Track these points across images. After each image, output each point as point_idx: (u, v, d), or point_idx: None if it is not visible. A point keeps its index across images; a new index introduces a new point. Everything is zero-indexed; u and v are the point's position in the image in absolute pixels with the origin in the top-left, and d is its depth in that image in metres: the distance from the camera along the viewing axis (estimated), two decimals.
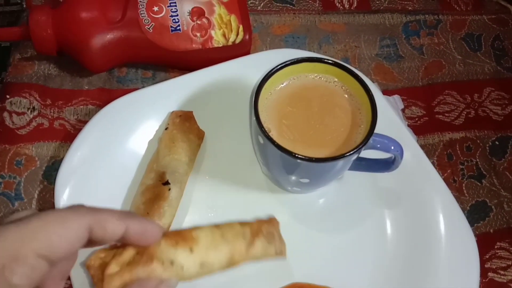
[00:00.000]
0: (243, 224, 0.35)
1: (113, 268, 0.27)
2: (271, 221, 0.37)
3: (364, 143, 0.35)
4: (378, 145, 0.37)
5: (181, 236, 0.31)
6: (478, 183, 0.49)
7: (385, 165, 0.40)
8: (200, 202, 0.43)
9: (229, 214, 0.42)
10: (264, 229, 0.35)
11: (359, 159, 0.41)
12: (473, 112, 0.54)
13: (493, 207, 0.48)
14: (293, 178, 0.39)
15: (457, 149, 0.51)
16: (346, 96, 0.39)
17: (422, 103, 0.53)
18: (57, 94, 0.49)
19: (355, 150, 0.35)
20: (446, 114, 0.53)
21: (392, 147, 0.37)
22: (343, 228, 0.43)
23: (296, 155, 0.34)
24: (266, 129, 0.35)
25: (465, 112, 0.53)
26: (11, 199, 0.43)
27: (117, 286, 0.26)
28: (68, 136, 0.46)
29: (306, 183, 0.39)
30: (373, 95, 0.37)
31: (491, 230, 0.47)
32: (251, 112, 0.38)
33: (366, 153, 0.41)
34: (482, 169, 0.50)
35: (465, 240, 0.41)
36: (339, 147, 0.37)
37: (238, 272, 0.37)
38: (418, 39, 0.57)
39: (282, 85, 0.39)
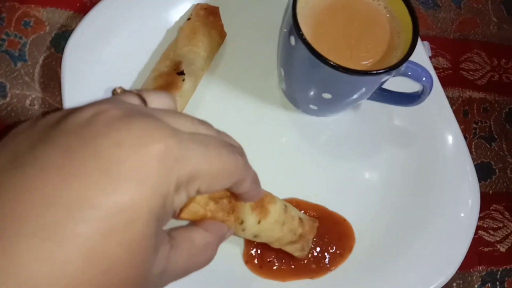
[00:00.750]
0: (300, 222, 0.35)
1: (202, 199, 0.26)
2: (315, 229, 0.37)
3: (399, 64, 0.33)
4: (410, 73, 0.36)
5: (260, 205, 0.32)
6: (488, 145, 0.49)
7: (410, 98, 0.39)
8: (212, 103, 0.42)
9: (238, 121, 0.41)
10: (307, 237, 0.36)
11: (383, 90, 0.40)
12: (497, 76, 0.52)
13: (497, 170, 0.48)
14: (316, 91, 0.37)
15: (474, 108, 0.50)
16: (388, 16, 0.37)
17: (449, 55, 0.52)
18: None
19: (388, 70, 0.33)
20: (471, 72, 0.52)
21: (424, 78, 0.36)
22: (351, 157, 0.42)
23: (328, 61, 0.32)
24: (302, 31, 0.33)
25: (489, 75, 0.52)
26: (14, 59, 0.40)
27: (194, 212, 0.25)
28: (84, 8, 0.43)
29: (326, 99, 0.37)
30: (417, 19, 0.35)
31: (490, 191, 0.47)
32: (286, 13, 0.35)
33: (391, 86, 0.39)
34: (494, 132, 0.49)
35: (471, 189, 0.41)
36: (371, 66, 0.35)
37: None
38: None
39: None
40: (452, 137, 0.42)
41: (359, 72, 0.33)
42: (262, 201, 0.32)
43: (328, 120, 0.43)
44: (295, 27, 0.33)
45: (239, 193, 0.25)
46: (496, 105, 0.51)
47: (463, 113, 0.49)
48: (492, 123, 0.50)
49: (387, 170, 0.42)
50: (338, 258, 0.37)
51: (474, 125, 0.49)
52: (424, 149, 0.42)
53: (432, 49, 0.51)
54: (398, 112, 0.43)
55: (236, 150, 0.23)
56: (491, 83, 0.52)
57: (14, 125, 0.38)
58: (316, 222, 0.37)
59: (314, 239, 0.37)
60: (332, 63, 0.32)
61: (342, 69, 0.32)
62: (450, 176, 0.41)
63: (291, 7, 0.34)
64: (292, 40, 0.34)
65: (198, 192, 0.21)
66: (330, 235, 0.38)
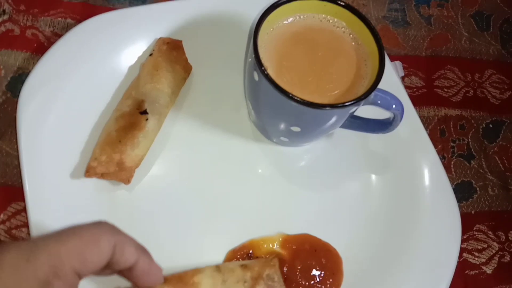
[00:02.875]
0: (244, 267, 0.34)
1: None
2: (272, 262, 0.35)
3: (367, 94, 0.32)
4: (379, 101, 0.34)
5: (183, 282, 0.31)
6: (467, 163, 0.48)
7: (382, 125, 0.37)
8: (179, 139, 0.40)
9: (209, 156, 0.40)
10: (264, 273, 0.34)
11: (355, 117, 0.38)
12: (472, 91, 0.52)
13: (478, 189, 0.47)
14: (284, 124, 0.36)
15: (451, 126, 0.49)
16: (353, 44, 0.36)
17: (422, 74, 0.51)
18: (33, 1, 0.43)
19: (356, 101, 0.32)
20: (445, 89, 0.51)
21: (394, 105, 0.35)
22: (328, 186, 0.41)
23: (293, 96, 0.31)
24: (264, 66, 0.32)
25: (464, 90, 0.51)
26: None
27: None
28: (40, 48, 0.41)
29: (296, 132, 0.36)
30: (382, 45, 0.34)
31: (472, 211, 0.46)
32: (249, 46, 0.34)
33: (362, 113, 0.38)
34: (472, 149, 0.48)
35: (450, 213, 0.40)
36: (338, 97, 0.34)
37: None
38: (428, 8, 0.55)
39: (286, 22, 0.36)
40: (428, 160, 0.41)
41: (324, 105, 0.32)
42: (180, 278, 0.31)
43: (301, 150, 0.42)
44: (257, 63, 0.32)
45: (131, 270, 0.27)
46: (472, 121, 0.50)
47: (440, 132, 0.48)
48: (470, 140, 0.49)
49: (366, 196, 0.40)
50: None
51: (452, 144, 0.48)
52: (400, 174, 0.41)
53: (404, 68, 0.50)
54: (372, 137, 0.42)
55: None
56: (466, 98, 0.51)
57: None
58: (270, 256, 0.35)
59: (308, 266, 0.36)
60: (297, 98, 0.31)
61: (308, 104, 0.31)
62: (429, 200, 0.40)
63: (252, 40, 0.33)
64: (255, 75, 0.33)
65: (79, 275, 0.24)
66: (324, 270, 0.37)
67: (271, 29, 0.35)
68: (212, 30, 0.43)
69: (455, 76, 0.52)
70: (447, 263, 0.38)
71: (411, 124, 0.42)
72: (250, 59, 0.34)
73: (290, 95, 0.31)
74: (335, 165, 0.41)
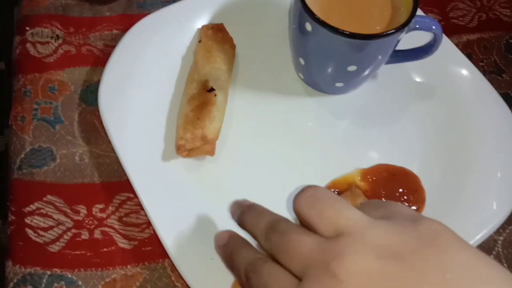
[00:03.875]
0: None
1: None
2: (356, 192, 0.37)
3: (410, 18, 0.36)
4: (418, 25, 0.38)
5: None
6: (499, 77, 0.51)
7: (425, 50, 0.41)
8: (243, 110, 0.44)
9: (273, 119, 0.43)
10: (358, 202, 0.36)
11: (397, 51, 0.42)
12: (485, 15, 0.56)
13: None
14: (340, 67, 0.39)
15: (475, 48, 0.53)
16: None
17: (436, 9, 0.55)
18: (79, 22, 0.47)
19: (403, 26, 0.36)
20: (460, 19, 0.55)
21: (434, 26, 0.39)
22: (387, 120, 0.44)
23: (351, 34, 0.35)
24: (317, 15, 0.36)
25: (477, 16, 0.55)
26: (51, 123, 0.42)
27: None
28: (98, 60, 0.45)
29: (352, 72, 0.40)
30: None
31: None
32: (295, 2, 0.38)
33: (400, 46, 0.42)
34: (500, 64, 0.52)
35: (506, 122, 0.43)
36: (384, 29, 0.38)
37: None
38: None
39: None
40: (471, 76, 0.45)
41: (379, 35, 0.35)
42: None
43: (353, 95, 0.45)
44: (309, 14, 0.36)
45: None
46: (493, 40, 0.54)
47: (467, 56, 0.52)
48: (496, 57, 0.53)
49: (423, 122, 0.44)
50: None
51: (481, 64, 0.52)
52: (449, 95, 0.45)
53: (419, 9, 0.54)
54: (414, 70, 0.46)
55: None
56: (482, 23, 0.55)
57: (72, 184, 0.39)
58: (351, 189, 0.38)
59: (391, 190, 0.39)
60: (356, 34, 0.35)
61: (366, 37, 0.35)
62: (482, 112, 0.44)
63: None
64: (308, 26, 0.37)
65: None
66: (406, 189, 0.40)
67: None
68: (246, 11, 0.47)
69: (466, 5, 0.56)
70: None
71: (446, 49, 0.46)
72: (297, 15, 0.38)
73: (349, 33, 0.35)
74: (387, 101, 0.45)
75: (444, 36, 0.47)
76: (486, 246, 0.40)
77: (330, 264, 0.23)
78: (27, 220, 0.37)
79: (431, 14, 0.54)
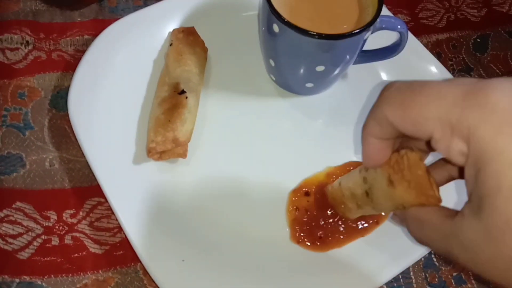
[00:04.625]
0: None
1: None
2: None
3: (375, 18, 0.37)
4: (384, 25, 0.39)
5: None
6: (468, 75, 0.52)
7: (392, 49, 0.42)
8: (215, 113, 0.44)
9: (245, 120, 0.44)
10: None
11: (364, 51, 0.43)
12: (453, 16, 0.57)
13: None
14: (309, 67, 0.40)
15: (444, 48, 0.54)
16: None
17: (406, 10, 0.56)
18: (50, 28, 0.47)
19: (368, 25, 0.36)
20: (429, 19, 0.56)
21: (399, 26, 0.39)
22: (357, 119, 0.45)
23: (317, 34, 0.35)
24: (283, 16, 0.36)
25: (446, 16, 0.57)
26: (21, 129, 0.41)
27: None
28: (69, 66, 0.45)
29: (320, 72, 0.40)
30: None
31: None
32: (263, 5, 0.38)
33: (368, 46, 0.43)
34: (469, 63, 0.53)
35: None
36: (351, 29, 0.38)
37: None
38: None
39: None
40: (440, 75, 0.46)
41: (344, 35, 0.36)
42: None
43: (324, 95, 0.46)
44: (276, 16, 0.36)
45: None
46: (461, 40, 0.55)
47: (437, 55, 0.53)
48: (464, 56, 0.54)
49: None
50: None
51: (450, 62, 0.53)
52: None
53: (389, 9, 0.55)
54: (383, 71, 0.47)
55: None
56: (450, 23, 0.56)
57: (42, 190, 0.39)
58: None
59: None
60: (321, 34, 0.35)
61: (331, 37, 0.35)
62: None
63: (266, 1, 0.37)
64: (276, 28, 0.37)
65: None
66: None
67: None
68: (217, 15, 0.48)
69: (435, 6, 0.57)
70: None
71: (414, 48, 0.47)
72: (265, 17, 0.38)
73: (315, 33, 0.35)
74: (357, 101, 0.46)
75: (412, 36, 0.48)
76: None
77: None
78: None
79: (400, 15, 0.56)
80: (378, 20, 0.38)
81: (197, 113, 0.42)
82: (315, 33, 0.35)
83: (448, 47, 0.54)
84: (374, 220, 0.39)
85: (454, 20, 0.56)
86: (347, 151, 0.43)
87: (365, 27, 0.36)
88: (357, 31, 0.36)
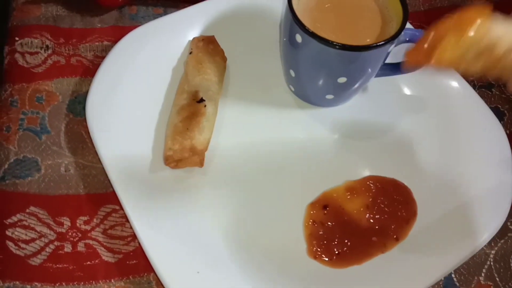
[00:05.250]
0: None
1: None
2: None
3: (400, 31, 0.36)
4: (408, 38, 0.38)
5: None
6: (489, 92, 0.52)
7: None
8: (233, 122, 0.43)
9: (263, 131, 0.43)
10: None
11: (386, 64, 0.42)
12: None
13: (505, 111, 0.51)
14: (331, 78, 0.39)
15: None
16: None
17: (426, 25, 0.55)
18: (70, 33, 0.47)
19: (393, 38, 0.36)
20: None
21: None
22: (378, 132, 0.44)
23: (342, 45, 0.35)
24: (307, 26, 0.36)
25: None
26: (37, 133, 0.41)
27: None
28: (88, 71, 0.45)
29: (342, 84, 0.39)
30: None
31: (507, 132, 0.49)
32: (282, 19, 0.38)
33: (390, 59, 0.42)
34: (490, 79, 0.53)
35: (496, 135, 0.43)
36: (374, 42, 0.38)
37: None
38: None
39: None
40: (461, 89, 0.45)
41: (369, 47, 0.35)
42: None
43: (344, 108, 0.45)
44: (299, 25, 0.36)
45: None
46: None
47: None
48: None
49: (414, 134, 0.44)
50: (404, 225, 0.38)
51: (471, 78, 0.52)
52: (439, 108, 0.45)
53: (409, 23, 0.55)
54: (404, 84, 0.46)
55: None
56: None
57: (56, 196, 0.38)
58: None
59: (380, 203, 0.38)
60: (346, 46, 0.35)
61: (356, 49, 0.35)
62: (472, 122, 0.44)
63: (289, 10, 0.37)
64: (299, 37, 0.37)
65: None
66: (395, 201, 0.39)
67: (297, 1, 0.39)
68: (237, 23, 0.47)
69: None
70: (504, 182, 0.41)
71: None
72: (287, 27, 0.38)
73: (340, 44, 0.35)
74: (377, 114, 0.45)
75: None
76: (478, 260, 0.40)
77: None
78: (8, 232, 0.36)
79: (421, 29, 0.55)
80: (402, 33, 0.37)
81: (215, 122, 0.42)
82: (339, 44, 0.35)
83: None
84: (394, 237, 0.38)
85: None
86: (366, 165, 0.42)
87: (390, 39, 0.36)
88: (382, 43, 0.35)
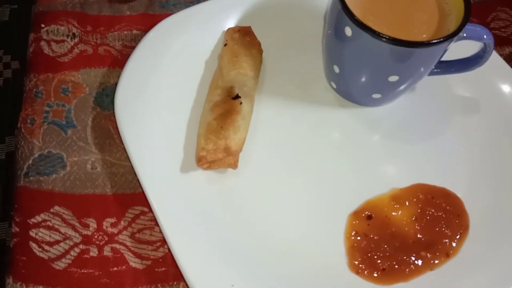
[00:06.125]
0: None
1: None
2: None
3: (462, 26, 0.33)
4: (470, 34, 0.35)
5: None
6: None
7: (473, 61, 0.38)
8: (270, 120, 0.40)
9: (302, 130, 0.40)
10: None
11: (442, 62, 0.39)
12: None
13: None
14: (381, 77, 0.36)
15: None
16: None
17: (477, 20, 0.51)
18: (97, 20, 0.44)
19: (454, 34, 0.32)
20: (502, 30, 0.51)
21: (485, 35, 0.35)
22: (426, 136, 0.40)
23: (396, 39, 0.31)
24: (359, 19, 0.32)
25: None
26: (63, 127, 0.39)
27: None
28: (116, 62, 0.42)
29: (392, 83, 0.36)
30: None
31: None
32: (333, 5, 0.35)
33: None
34: None
35: None
36: (431, 37, 0.34)
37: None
38: None
39: None
40: None
41: (428, 43, 0.32)
42: None
43: (389, 108, 0.42)
44: (350, 17, 0.32)
45: None
46: None
47: None
48: None
49: (465, 139, 0.40)
50: (455, 239, 0.35)
51: None
52: (492, 110, 0.41)
53: None
54: (455, 83, 0.42)
55: None
56: None
57: (82, 195, 0.36)
58: None
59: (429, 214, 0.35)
60: (403, 41, 0.31)
61: (413, 45, 0.31)
62: None
63: (338, 0, 0.33)
64: (348, 31, 0.33)
65: None
66: (446, 213, 0.36)
67: None
68: (274, 13, 0.44)
69: (508, 15, 0.52)
70: None
71: (492, 61, 0.41)
72: (334, 19, 0.35)
73: (395, 39, 0.31)
74: (426, 116, 0.41)
75: (495, 54, 0.43)
76: None
77: None
78: (32, 233, 0.34)
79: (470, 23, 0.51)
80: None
81: (250, 120, 0.39)
82: (396, 40, 0.31)
83: None
84: (444, 253, 0.35)
85: None
86: (414, 171, 0.39)
87: (451, 36, 0.32)
88: (441, 39, 0.32)
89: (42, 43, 0.43)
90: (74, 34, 0.43)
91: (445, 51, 0.35)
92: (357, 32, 0.33)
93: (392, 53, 0.33)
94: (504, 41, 0.50)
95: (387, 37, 0.31)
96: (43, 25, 0.43)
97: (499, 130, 0.40)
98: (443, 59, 0.37)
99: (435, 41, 0.32)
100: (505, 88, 0.42)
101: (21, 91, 0.41)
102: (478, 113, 0.41)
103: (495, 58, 0.43)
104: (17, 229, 0.35)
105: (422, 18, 0.35)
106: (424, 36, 0.35)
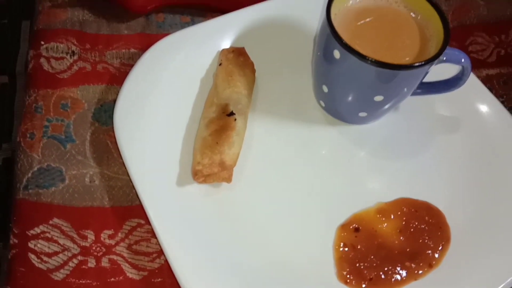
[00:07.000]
0: None
1: None
2: None
3: (442, 50, 0.35)
4: (449, 58, 0.37)
5: None
6: None
7: (452, 82, 0.40)
8: (263, 136, 0.42)
9: (292, 147, 0.42)
10: None
11: (423, 83, 0.41)
12: (503, 50, 0.55)
13: None
14: (366, 97, 0.38)
15: (495, 83, 0.52)
16: (411, 13, 0.39)
17: (456, 43, 0.54)
18: (96, 38, 0.46)
19: (434, 58, 0.35)
20: (480, 53, 0.54)
21: (463, 59, 0.38)
22: (410, 152, 0.43)
23: (382, 62, 0.34)
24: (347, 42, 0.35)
25: (496, 51, 0.55)
26: (62, 142, 0.40)
27: None
28: (114, 79, 0.44)
29: (377, 102, 0.38)
30: (440, 7, 0.37)
31: None
32: (322, 29, 0.37)
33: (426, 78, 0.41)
34: None
35: None
36: (414, 61, 0.37)
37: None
38: None
39: (347, 4, 0.39)
40: (494, 111, 0.44)
41: (411, 66, 0.34)
42: None
43: (374, 126, 0.44)
44: (338, 41, 0.35)
45: None
46: None
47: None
48: None
49: (445, 156, 0.43)
50: (437, 250, 0.37)
51: (501, 99, 0.51)
52: (472, 129, 0.44)
53: None
54: (437, 103, 0.45)
55: None
56: (500, 58, 0.54)
57: (81, 207, 0.37)
58: None
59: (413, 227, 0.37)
60: (388, 64, 0.34)
61: (398, 67, 0.34)
62: (506, 147, 0.42)
63: (328, 25, 0.36)
64: (337, 53, 0.36)
65: None
66: (428, 225, 0.38)
67: (335, 14, 0.38)
68: (266, 35, 0.46)
69: (485, 40, 0.56)
70: None
71: (470, 83, 0.44)
72: (323, 42, 0.37)
73: (381, 62, 0.34)
74: (410, 133, 0.44)
75: (474, 77, 0.46)
76: None
77: None
78: (31, 244, 0.35)
79: (449, 46, 0.54)
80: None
81: (244, 136, 0.40)
82: (380, 62, 0.34)
83: (499, 83, 0.52)
84: (427, 263, 0.37)
85: (504, 55, 0.55)
86: (398, 186, 0.41)
87: (433, 58, 0.35)
88: (423, 62, 0.34)
89: (42, 59, 0.44)
90: (73, 51, 0.45)
91: (426, 73, 0.38)
92: (345, 55, 0.35)
93: (378, 74, 0.35)
94: (481, 64, 0.54)
95: (373, 60, 0.34)
96: (42, 42, 0.45)
97: (478, 147, 0.43)
98: (424, 80, 0.40)
99: (417, 64, 0.34)
100: (483, 108, 0.45)
101: (12, 105, 0.42)
102: (457, 131, 0.44)
103: (473, 79, 0.46)
104: (16, 241, 0.35)
105: (405, 43, 0.38)
106: (407, 59, 0.37)
